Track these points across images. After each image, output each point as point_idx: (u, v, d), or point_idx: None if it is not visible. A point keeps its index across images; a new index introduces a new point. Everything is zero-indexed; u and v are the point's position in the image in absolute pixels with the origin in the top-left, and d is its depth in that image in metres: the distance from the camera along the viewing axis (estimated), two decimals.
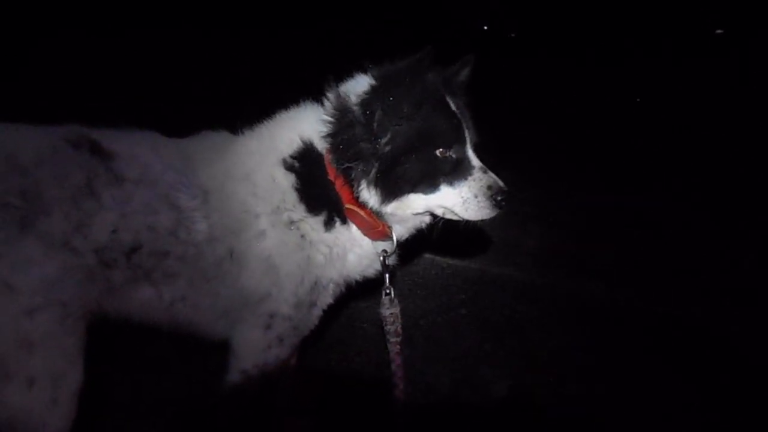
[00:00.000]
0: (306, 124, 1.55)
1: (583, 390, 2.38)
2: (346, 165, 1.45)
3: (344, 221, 1.55)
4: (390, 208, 1.48)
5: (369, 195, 1.45)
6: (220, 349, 1.61)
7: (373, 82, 1.46)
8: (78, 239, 1.28)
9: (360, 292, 1.81)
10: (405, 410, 1.57)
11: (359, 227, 1.55)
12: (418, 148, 1.43)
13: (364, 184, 1.44)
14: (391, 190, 1.44)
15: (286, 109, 1.64)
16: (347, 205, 1.51)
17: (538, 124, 6.73)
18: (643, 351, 2.65)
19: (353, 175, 1.45)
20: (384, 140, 1.42)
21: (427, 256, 3.41)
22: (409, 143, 1.42)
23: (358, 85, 1.49)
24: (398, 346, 1.61)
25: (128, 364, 2.24)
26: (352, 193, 1.47)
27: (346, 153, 1.44)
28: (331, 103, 1.50)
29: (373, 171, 1.42)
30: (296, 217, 1.50)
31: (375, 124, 1.42)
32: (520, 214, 4.04)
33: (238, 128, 1.62)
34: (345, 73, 1.56)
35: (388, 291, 1.63)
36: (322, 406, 2.15)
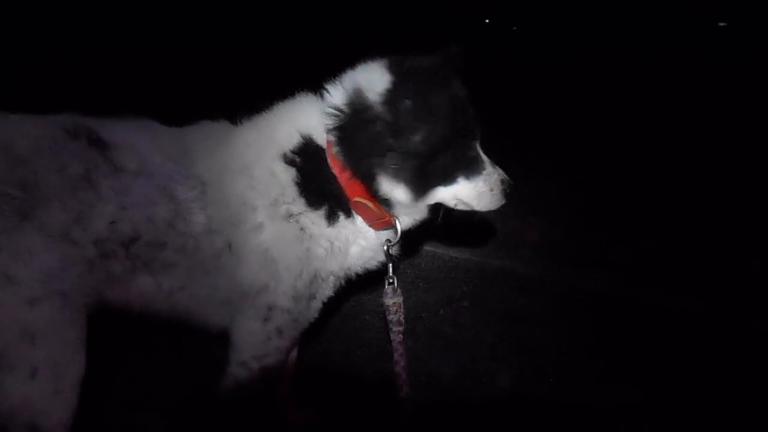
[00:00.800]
0: (307, 116, 1.53)
1: (586, 383, 2.37)
2: (365, 160, 1.43)
3: (348, 214, 1.53)
4: (420, 201, 1.50)
5: (397, 189, 1.45)
6: (221, 342, 1.61)
7: (393, 77, 1.43)
8: (77, 231, 1.27)
9: (362, 283, 1.80)
10: (407, 402, 1.57)
11: (365, 219, 1.54)
12: (450, 144, 1.44)
13: (393, 180, 1.43)
14: (423, 185, 1.46)
15: (285, 101, 1.61)
16: (356, 198, 1.49)
17: (539, 118, 6.68)
18: (646, 345, 2.64)
19: (375, 170, 1.43)
20: (415, 137, 1.40)
21: (429, 248, 3.40)
22: (442, 140, 1.42)
23: (373, 78, 1.45)
24: (401, 336, 1.59)
25: (129, 358, 2.25)
26: (364, 186, 1.46)
27: (368, 148, 1.42)
28: (338, 94, 1.47)
29: (407, 167, 1.42)
30: (295, 211, 1.48)
31: (403, 120, 1.40)
32: (521, 208, 4.02)
33: (238, 118, 1.61)
34: (346, 66, 1.54)
35: (391, 280, 1.62)
36: (324, 398, 2.15)
